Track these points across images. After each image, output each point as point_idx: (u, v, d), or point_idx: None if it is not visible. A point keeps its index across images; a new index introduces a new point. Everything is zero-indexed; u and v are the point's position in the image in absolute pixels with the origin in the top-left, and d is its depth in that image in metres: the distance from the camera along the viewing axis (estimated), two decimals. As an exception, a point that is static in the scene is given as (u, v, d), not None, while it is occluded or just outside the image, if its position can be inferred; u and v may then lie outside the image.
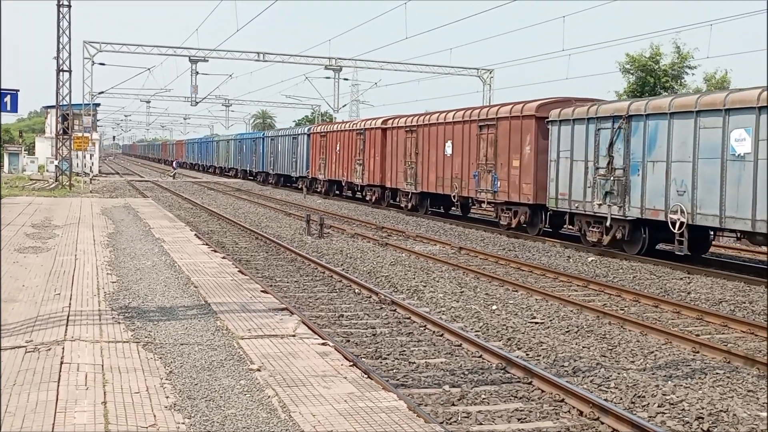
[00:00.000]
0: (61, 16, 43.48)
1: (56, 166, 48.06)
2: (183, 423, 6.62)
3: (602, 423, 7.62)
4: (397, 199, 35.10)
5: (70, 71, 44.45)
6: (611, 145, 20.27)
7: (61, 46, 43.73)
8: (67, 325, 9.94)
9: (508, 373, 9.29)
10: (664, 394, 8.56)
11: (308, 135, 47.73)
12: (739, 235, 18.87)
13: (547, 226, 24.02)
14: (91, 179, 52.48)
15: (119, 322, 10.29)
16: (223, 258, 17.21)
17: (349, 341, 10.72)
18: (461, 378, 9.11)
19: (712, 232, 19.50)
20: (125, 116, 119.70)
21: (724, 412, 8.04)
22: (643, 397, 8.50)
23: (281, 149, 53.74)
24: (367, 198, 38.08)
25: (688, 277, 16.73)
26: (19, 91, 14.55)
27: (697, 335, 11.46)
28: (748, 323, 12.10)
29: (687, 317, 12.89)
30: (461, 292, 14.60)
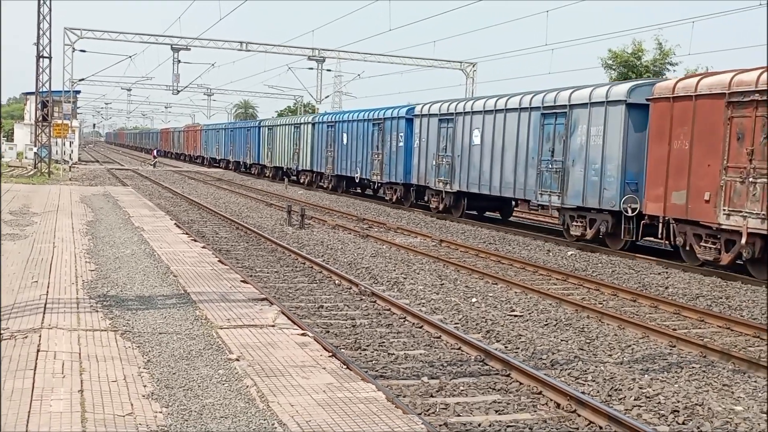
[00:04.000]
0: (41, 1, 43.03)
1: (35, 153, 47.63)
2: (160, 412, 6.59)
3: (579, 416, 7.67)
4: None
5: (50, 58, 44.05)
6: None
7: (41, 32, 43.30)
8: (44, 313, 9.87)
9: (487, 365, 9.33)
10: (640, 388, 8.63)
11: (633, 106, 19.16)
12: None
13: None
14: (70, 167, 52.05)
15: (97, 311, 10.23)
16: (203, 247, 17.14)
17: (328, 332, 10.72)
18: (440, 370, 9.13)
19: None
20: (106, 104, 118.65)
21: (699, 405, 8.12)
22: (620, 390, 8.57)
23: (491, 142, 24.84)
24: None
25: (666, 272, 16.86)
26: (-3, 76, 14.41)
27: (674, 330, 11.55)
28: (724, 318, 12.22)
29: (664, 312, 12.99)
30: (441, 285, 14.63)
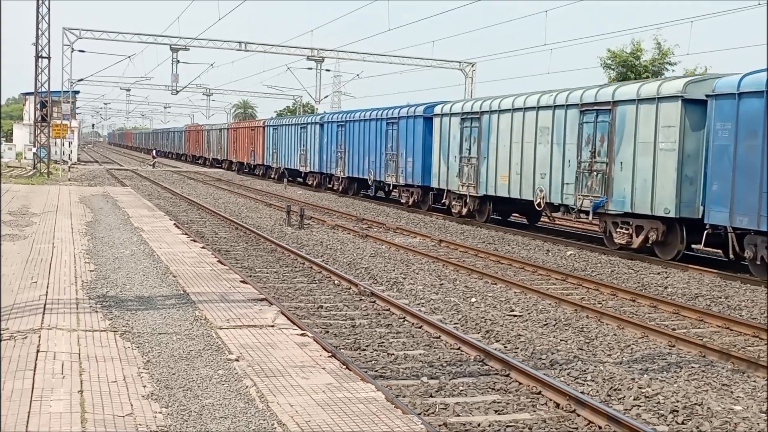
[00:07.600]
0: (40, 1, 43.03)
1: (34, 153, 47.63)
2: (160, 412, 6.59)
3: (578, 415, 7.67)
4: None
5: (49, 58, 44.07)
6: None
7: (40, 32, 43.33)
8: (43, 314, 9.87)
9: (486, 365, 9.33)
10: (639, 388, 8.64)
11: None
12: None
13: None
14: (69, 167, 52.03)
15: (97, 311, 10.23)
16: (203, 248, 17.14)
17: (328, 332, 10.72)
18: (439, 370, 9.14)
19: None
20: (105, 104, 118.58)
21: (699, 405, 8.12)
22: (619, 390, 8.57)
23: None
24: None
25: (665, 272, 16.87)
26: (-4, 76, 14.41)
27: (674, 329, 11.56)
28: (723, 318, 12.23)
29: (663, 311, 13.00)
30: (440, 285, 14.64)
